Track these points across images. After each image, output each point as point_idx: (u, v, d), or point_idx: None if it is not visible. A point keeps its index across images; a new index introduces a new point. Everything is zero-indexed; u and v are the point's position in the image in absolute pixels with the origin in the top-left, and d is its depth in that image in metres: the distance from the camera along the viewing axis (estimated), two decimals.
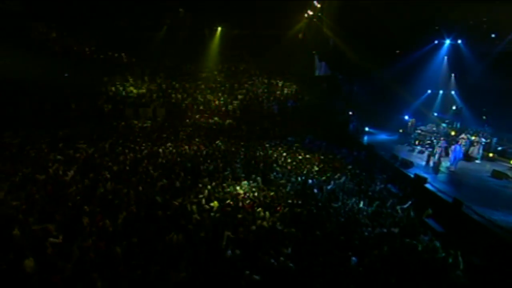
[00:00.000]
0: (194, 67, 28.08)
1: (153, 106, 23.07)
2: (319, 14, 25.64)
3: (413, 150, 15.54)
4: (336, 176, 11.68)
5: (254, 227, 7.75)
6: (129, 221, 7.71)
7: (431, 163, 13.06)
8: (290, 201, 9.33)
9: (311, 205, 9.22)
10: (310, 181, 11.14)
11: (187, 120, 21.79)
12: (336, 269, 6.25)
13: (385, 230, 7.94)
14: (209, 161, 12.77)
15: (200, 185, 9.95)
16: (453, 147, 12.58)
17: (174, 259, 6.36)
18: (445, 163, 12.83)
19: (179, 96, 24.67)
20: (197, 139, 16.59)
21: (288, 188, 10.40)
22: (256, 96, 26.22)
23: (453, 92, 18.78)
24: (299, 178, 11.27)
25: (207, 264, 6.29)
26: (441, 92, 19.39)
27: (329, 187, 10.68)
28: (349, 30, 20.16)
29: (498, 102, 14.82)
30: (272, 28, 27.32)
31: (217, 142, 16.17)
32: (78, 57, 23.82)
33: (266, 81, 27.62)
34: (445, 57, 18.80)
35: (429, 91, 19.81)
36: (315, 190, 10.43)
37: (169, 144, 15.29)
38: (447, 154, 13.04)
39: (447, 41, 17.95)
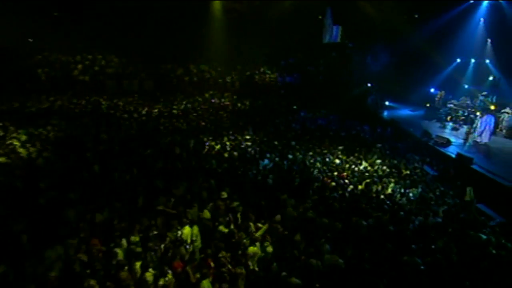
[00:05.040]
0: None
1: (139, 78, 21.53)
2: None
3: (444, 127, 14.75)
4: (369, 156, 10.82)
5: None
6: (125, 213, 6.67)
7: (470, 141, 12.29)
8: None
9: (343, 189, 8.37)
10: (337, 161, 10.25)
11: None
12: (397, 270, 5.42)
13: (439, 220, 7.13)
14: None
15: None
16: (485, 117, 11.89)
17: None
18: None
19: (169, 66, 23.10)
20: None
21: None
22: (256, 66, 24.90)
23: (487, 61, 17.79)
24: (327, 158, 10.38)
25: None
26: (472, 61, 18.39)
27: (361, 167, 9.80)
28: None
29: None
30: None
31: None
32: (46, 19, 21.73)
33: (267, 51, 26.11)
34: (482, 19, 17.66)
35: (458, 60, 18.79)
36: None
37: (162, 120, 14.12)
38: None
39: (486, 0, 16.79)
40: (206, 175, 8.85)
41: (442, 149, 11.60)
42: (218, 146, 11.22)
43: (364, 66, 22.02)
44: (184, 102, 17.87)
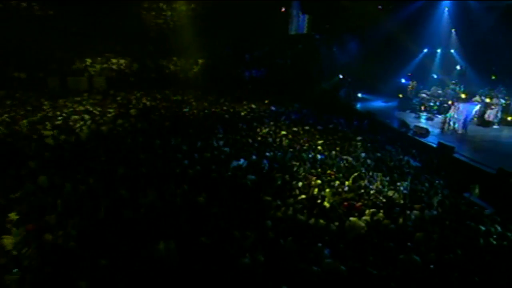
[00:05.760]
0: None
1: (88, 75, 19.87)
2: None
3: (419, 117, 15.19)
4: (351, 150, 10.68)
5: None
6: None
7: (447, 130, 12.72)
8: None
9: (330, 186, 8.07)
10: (319, 156, 9.98)
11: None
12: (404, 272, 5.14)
13: (435, 213, 7.05)
14: None
15: None
16: (464, 105, 12.41)
17: None
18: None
19: (122, 61, 21.64)
20: None
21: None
22: (221, 60, 24.20)
23: (453, 51, 18.68)
24: (310, 154, 10.06)
25: None
26: (439, 50, 19.23)
27: (346, 163, 9.60)
28: None
29: (510, 60, 14.81)
30: None
31: None
32: None
33: (230, 44, 25.51)
34: (446, 9, 18.51)
35: (425, 50, 19.57)
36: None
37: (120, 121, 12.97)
38: None
39: None
40: (177, 179, 8.11)
41: (422, 139, 11.82)
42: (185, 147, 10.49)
43: (332, 58, 22.26)
44: (144, 101, 16.72)
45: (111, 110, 14.54)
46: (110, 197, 6.89)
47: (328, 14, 20.32)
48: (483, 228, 6.52)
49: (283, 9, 25.24)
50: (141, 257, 5.34)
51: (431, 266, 5.22)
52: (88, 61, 20.40)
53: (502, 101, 13.41)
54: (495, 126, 13.33)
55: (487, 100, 13.57)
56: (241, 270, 5.25)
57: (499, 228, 6.73)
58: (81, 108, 14.76)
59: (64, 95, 16.93)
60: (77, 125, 12.08)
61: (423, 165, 10.42)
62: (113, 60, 21.39)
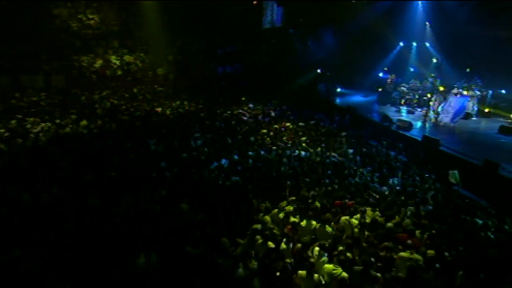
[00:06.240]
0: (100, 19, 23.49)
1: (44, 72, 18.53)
2: None
3: (399, 111, 15.42)
4: (337, 146, 10.54)
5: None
6: None
7: (428, 123, 12.99)
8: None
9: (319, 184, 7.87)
10: (303, 153, 9.78)
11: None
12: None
13: (430, 208, 7.00)
14: None
15: None
16: (455, 99, 12.69)
17: None
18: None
19: (84, 57, 20.41)
20: None
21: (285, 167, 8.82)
22: (192, 55, 23.50)
23: (427, 44, 19.21)
24: (295, 152, 9.81)
25: None
26: (414, 44, 19.72)
27: (333, 159, 9.44)
28: None
29: (485, 53, 15.39)
30: None
31: None
32: None
33: (202, 36, 24.86)
34: (420, 2, 19.00)
35: (401, 43, 20.00)
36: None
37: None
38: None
39: None
40: (153, 184, 7.56)
41: (407, 133, 11.94)
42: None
43: (308, 52, 22.27)
44: (111, 100, 15.78)
45: (74, 111, 13.56)
46: (79, 207, 6.25)
47: (302, 6, 20.25)
48: (479, 221, 6.53)
49: (255, 1, 24.96)
50: (119, 273, 4.82)
51: (437, 266, 5.07)
52: (44, 57, 19.01)
53: (478, 92, 13.87)
54: (474, 118, 13.77)
55: (465, 92, 13.96)
56: (235, 283, 4.89)
57: (495, 222, 6.78)
58: (39, 108, 13.64)
59: (18, 95, 15.64)
60: (36, 128, 11.09)
61: (409, 159, 10.47)
62: (74, 57, 20.09)
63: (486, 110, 14.04)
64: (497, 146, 10.84)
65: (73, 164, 8.42)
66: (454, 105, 12.76)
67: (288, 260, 5.26)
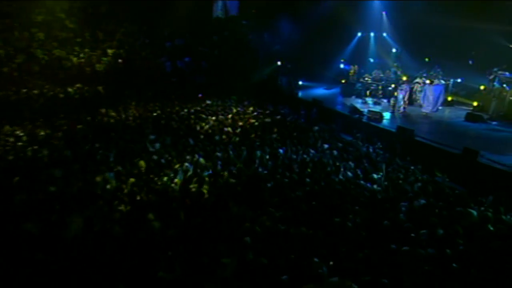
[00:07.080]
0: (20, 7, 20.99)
1: None
2: None
3: (366, 103, 15.62)
4: (310, 142, 10.20)
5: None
6: None
7: (397, 113, 13.28)
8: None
9: (306, 184, 7.40)
10: (280, 150, 9.29)
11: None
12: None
13: (423, 201, 6.84)
14: None
15: None
16: (431, 88, 13.28)
17: None
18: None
19: (1, 51, 18.04)
20: None
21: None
22: (136, 50, 21.97)
23: (385, 34, 19.82)
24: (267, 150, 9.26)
25: None
26: (372, 34, 20.26)
27: (311, 156, 9.06)
28: None
29: (446, 42, 16.14)
30: None
31: None
32: None
33: (145, 28, 23.45)
34: None
35: (359, 34, 20.46)
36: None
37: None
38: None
39: None
40: (108, 199, 6.52)
41: (379, 125, 11.99)
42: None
43: (265, 44, 21.99)
44: (41, 101, 13.97)
45: None
46: (10, 236, 5.08)
47: None
48: (474, 213, 6.47)
49: None
50: None
51: (454, 265, 4.80)
52: None
53: (442, 81, 14.46)
54: (439, 107, 14.34)
55: (428, 81, 14.49)
56: None
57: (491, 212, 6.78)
58: None
59: None
60: None
61: (386, 152, 10.46)
62: None
63: (449, 98, 14.70)
64: (468, 134, 11.27)
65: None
66: (433, 94, 13.18)
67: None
